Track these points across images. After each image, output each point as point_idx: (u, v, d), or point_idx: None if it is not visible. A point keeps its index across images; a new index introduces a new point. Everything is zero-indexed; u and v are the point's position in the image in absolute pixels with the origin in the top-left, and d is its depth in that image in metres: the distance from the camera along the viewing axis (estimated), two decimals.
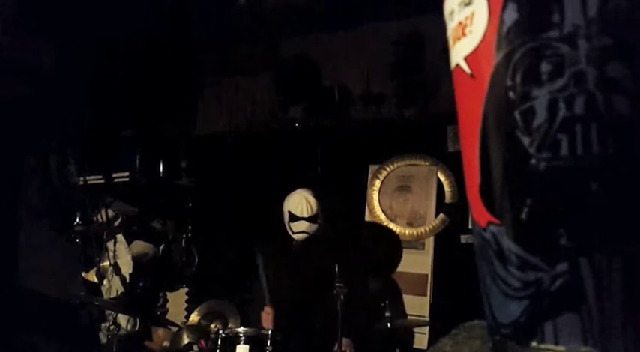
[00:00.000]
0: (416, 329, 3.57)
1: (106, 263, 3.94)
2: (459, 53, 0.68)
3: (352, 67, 4.16)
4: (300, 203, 3.02)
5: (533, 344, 0.60)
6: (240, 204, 4.26)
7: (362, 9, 3.87)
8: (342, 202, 3.70)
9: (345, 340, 2.73)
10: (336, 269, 2.68)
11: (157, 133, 4.53)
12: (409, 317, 3.56)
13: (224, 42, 4.43)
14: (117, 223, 4.06)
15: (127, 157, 4.22)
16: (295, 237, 3.06)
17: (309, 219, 3.00)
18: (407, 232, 3.79)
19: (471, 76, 0.66)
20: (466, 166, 0.70)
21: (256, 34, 4.31)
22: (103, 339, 3.83)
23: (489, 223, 0.65)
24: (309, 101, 4.29)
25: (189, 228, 4.33)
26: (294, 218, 3.02)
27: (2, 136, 3.61)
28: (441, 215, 3.73)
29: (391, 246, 3.74)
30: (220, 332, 2.87)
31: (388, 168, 3.94)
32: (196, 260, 4.31)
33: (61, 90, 3.81)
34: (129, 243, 4.01)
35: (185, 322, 3.78)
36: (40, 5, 3.45)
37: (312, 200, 3.03)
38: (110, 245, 3.99)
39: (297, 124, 4.29)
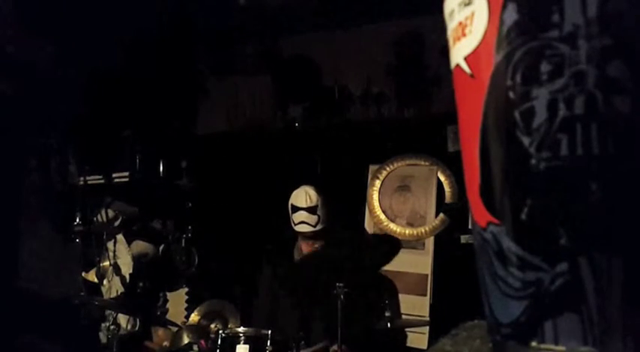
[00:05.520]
0: (416, 329, 3.57)
1: (106, 263, 3.95)
2: (459, 53, 0.68)
3: (352, 67, 4.16)
4: (300, 195, 3.15)
5: (533, 344, 0.60)
6: (240, 204, 4.26)
7: (362, 9, 3.87)
8: (341, 204, 3.70)
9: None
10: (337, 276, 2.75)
11: (157, 133, 4.53)
12: (409, 317, 3.56)
13: (224, 42, 4.43)
14: (117, 223, 4.05)
15: (127, 157, 4.22)
16: (296, 228, 3.16)
17: (308, 210, 3.11)
18: (407, 232, 3.79)
19: (471, 76, 0.66)
20: (466, 166, 0.70)
21: (256, 34, 4.31)
22: (103, 339, 3.82)
23: (489, 223, 0.65)
24: (309, 101, 4.29)
25: (189, 228, 4.33)
26: (294, 209, 3.15)
27: (2, 136, 3.61)
28: (441, 215, 3.73)
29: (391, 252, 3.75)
30: (220, 332, 2.88)
31: (388, 168, 3.94)
32: (196, 260, 4.31)
33: (61, 89, 3.80)
34: (129, 243, 4.01)
35: (185, 322, 3.78)
36: (39, 3, 3.45)
37: (313, 193, 3.15)
38: (110, 245, 3.99)
39: (297, 124, 4.29)
